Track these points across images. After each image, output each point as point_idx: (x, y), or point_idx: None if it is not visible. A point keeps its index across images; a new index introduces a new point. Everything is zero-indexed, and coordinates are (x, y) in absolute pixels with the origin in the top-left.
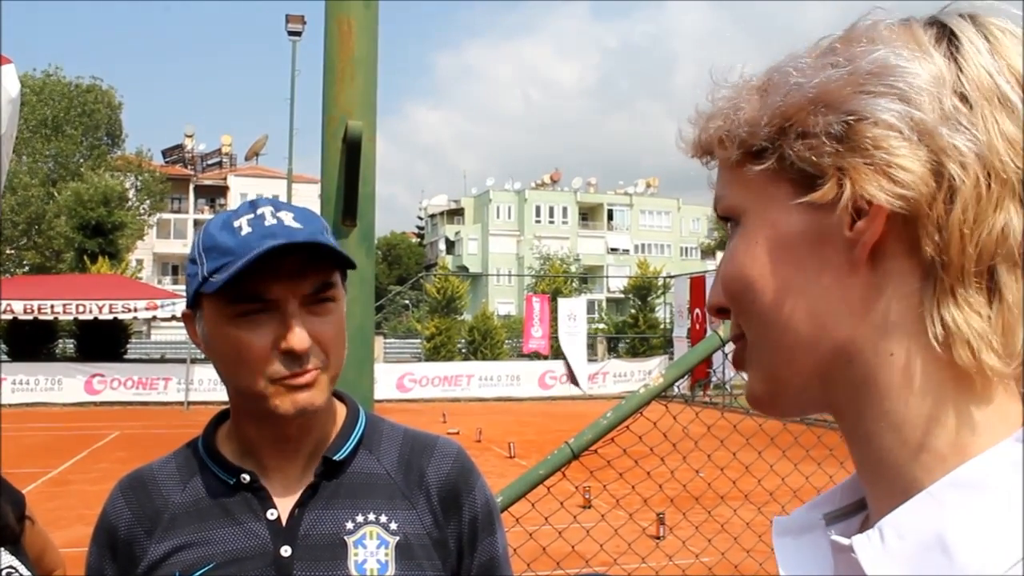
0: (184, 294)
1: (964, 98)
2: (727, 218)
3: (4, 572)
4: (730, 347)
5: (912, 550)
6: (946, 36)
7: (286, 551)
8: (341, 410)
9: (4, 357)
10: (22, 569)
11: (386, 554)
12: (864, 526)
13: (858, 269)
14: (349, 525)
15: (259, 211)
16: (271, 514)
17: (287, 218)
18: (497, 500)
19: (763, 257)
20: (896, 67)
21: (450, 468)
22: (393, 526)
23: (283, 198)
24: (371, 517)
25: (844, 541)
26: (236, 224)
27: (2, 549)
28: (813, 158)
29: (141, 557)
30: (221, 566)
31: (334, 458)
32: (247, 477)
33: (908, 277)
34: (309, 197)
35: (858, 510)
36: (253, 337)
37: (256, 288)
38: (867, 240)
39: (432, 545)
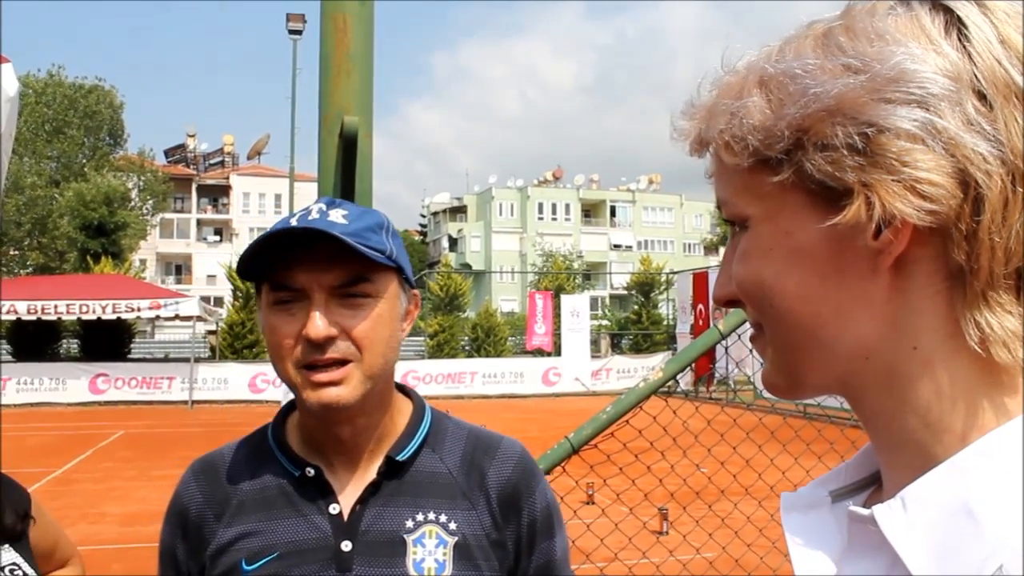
0: (185, 294)
1: (982, 96)
2: (734, 221)
3: (7, 570)
4: (730, 341)
5: (937, 518)
6: (954, 25)
7: (347, 546)
8: (407, 407)
9: (8, 357)
10: (25, 567)
11: (444, 554)
12: (871, 501)
13: (880, 273)
14: (409, 523)
15: (312, 207)
16: (333, 508)
17: (336, 214)
18: None
19: (780, 264)
20: (915, 72)
21: (511, 470)
22: (452, 526)
23: (285, 197)
24: (431, 516)
25: (864, 512)
26: (291, 219)
27: (5, 546)
28: (836, 172)
29: (210, 539)
30: (284, 556)
31: (397, 458)
32: (312, 471)
33: (933, 278)
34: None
35: (864, 488)
36: (283, 324)
37: (284, 277)
38: (893, 251)
39: (490, 546)
